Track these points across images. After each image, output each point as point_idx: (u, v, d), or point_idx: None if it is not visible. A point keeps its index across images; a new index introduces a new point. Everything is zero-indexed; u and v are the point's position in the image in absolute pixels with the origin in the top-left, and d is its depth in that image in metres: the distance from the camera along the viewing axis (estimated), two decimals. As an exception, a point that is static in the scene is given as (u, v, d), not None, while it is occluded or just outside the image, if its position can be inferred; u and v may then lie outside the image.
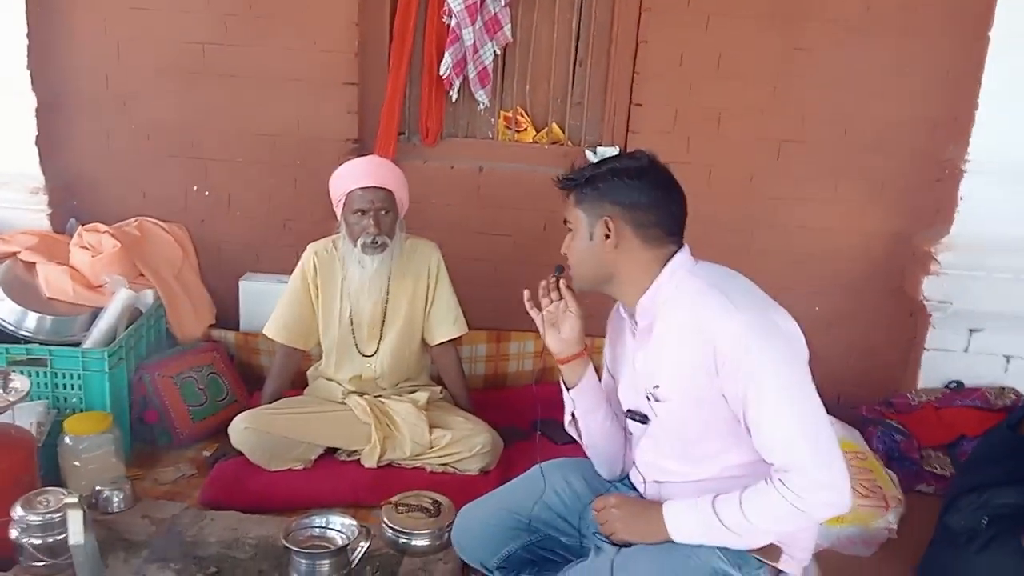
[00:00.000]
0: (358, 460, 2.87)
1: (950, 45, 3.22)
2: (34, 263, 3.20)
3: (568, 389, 2.06)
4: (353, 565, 2.26)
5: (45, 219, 3.42)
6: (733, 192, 3.43)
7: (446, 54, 3.34)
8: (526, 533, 2.07)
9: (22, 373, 2.52)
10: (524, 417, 3.06)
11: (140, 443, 3.06)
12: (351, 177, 2.82)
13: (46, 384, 2.82)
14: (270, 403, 2.96)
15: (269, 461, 2.79)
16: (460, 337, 3.06)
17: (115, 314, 2.99)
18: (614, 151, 3.40)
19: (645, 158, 1.90)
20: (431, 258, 2.99)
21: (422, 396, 2.97)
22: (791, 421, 1.71)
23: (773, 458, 1.73)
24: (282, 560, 2.31)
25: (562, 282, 2.01)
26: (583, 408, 2.06)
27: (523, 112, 3.61)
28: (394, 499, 2.56)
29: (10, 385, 2.36)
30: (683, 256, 1.88)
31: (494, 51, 3.42)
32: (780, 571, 1.86)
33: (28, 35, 3.30)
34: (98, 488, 2.56)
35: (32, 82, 3.33)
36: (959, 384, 3.34)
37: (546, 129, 3.61)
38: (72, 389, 2.84)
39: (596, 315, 2.09)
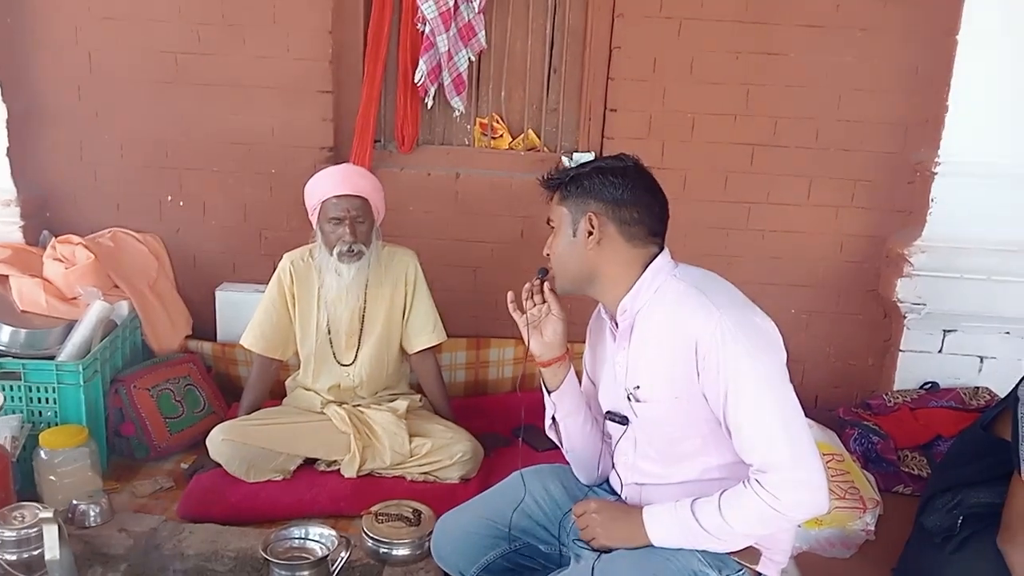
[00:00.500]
0: (338, 470, 2.86)
1: (920, 47, 3.26)
2: (7, 276, 3.16)
3: (549, 392, 2.07)
4: (334, 576, 2.25)
5: (18, 231, 3.38)
6: (708, 196, 3.45)
7: (420, 61, 3.34)
8: (505, 541, 2.07)
9: (-5, 387, 2.49)
10: (505, 424, 3.08)
11: (117, 456, 3.03)
12: (326, 185, 2.81)
13: (20, 398, 2.80)
14: (248, 414, 2.94)
15: (248, 472, 2.77)
16: (439, 345, 3.06)
17: (90, 326, 2.95)
18: (590, 157, 3.41)
19: (630, 159, 1.93)
20: (408, 266, 2.98)
21: (401, 405, 2.96)
22: (771, 419, 1.72)
23: (752, 458, 1.74)
24: (262, 572, 2.31)
25: (546, 285, 2.02)
26: (563, 411, 2.07)
27: (499, 119, 3.61)
28: (374, 509, 2.56)
29: (-17, 400, 2.34)
30: (664, 259, 1.89)
31: (468, 58, 3.42)
32: (759, 574, 1.87)
33: (-2, 46, 3.28)
34: (75, 502, 2.55)
35: (2, 93, 3.30)
36: (934, 385, 3.38)
37: (522, 135, 3.62)
38: (47, 403, 2.82)
39: (576, 322, 2.09)
